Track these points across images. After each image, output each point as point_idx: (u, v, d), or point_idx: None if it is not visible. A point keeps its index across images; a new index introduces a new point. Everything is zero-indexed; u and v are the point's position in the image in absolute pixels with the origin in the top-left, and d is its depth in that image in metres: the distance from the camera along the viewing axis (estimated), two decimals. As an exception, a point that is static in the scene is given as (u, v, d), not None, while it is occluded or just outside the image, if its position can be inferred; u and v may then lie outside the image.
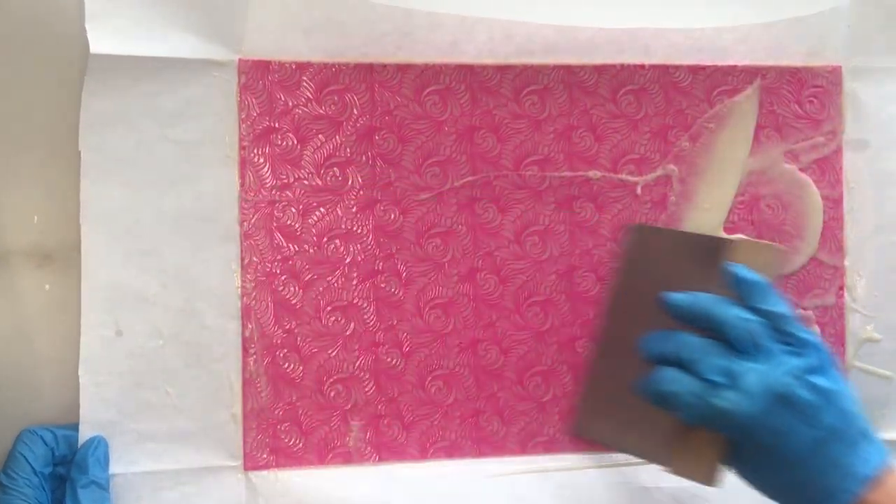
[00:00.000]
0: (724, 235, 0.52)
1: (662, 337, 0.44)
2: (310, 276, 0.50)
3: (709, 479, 0.43)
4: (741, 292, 0.43)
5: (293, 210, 0.50)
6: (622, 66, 0.52)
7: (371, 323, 0.50)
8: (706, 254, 0.45)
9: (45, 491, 0.44)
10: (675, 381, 0.43)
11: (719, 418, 0.42)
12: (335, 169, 0.50)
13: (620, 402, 0.47)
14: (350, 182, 0.50)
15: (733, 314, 0.43)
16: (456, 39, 0.51)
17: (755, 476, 0.44)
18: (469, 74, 0.51)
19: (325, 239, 0.50)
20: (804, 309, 0.54)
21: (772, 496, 0.44)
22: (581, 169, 0.52)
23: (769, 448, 0.42)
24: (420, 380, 0.51)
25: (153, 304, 0.48)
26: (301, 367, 0.50)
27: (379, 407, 0.51)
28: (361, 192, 0.51)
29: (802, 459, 0.42)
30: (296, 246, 0.50)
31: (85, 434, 0.47)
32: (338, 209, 0.50)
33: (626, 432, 0.47)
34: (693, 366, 0.42)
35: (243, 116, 0.49)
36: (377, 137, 0.51)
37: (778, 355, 0.42)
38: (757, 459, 0.43)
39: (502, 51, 0.51)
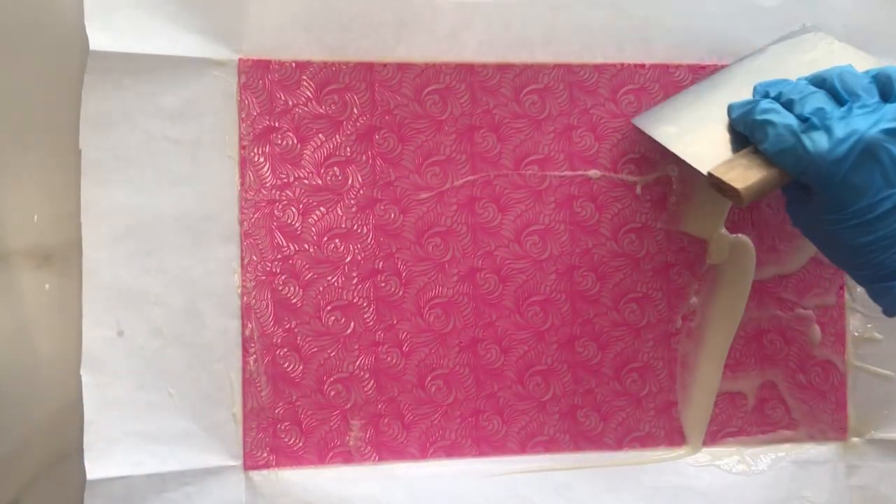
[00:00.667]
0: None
1: (776, 80, 0.46)
2: (310, 275, 0.50)
3: (743, 197, 0.44)
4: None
5: (293, 209, 0.50)
6: (622, 65, 0.52)
7: (371, 322, 0.51)
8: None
9: None
10: (773, 111, 0.44)
11: (804, 157, 0.42)
12: (335, 168, 0.50)
13: (693, 110, 0.49)
14: (350, 181, 0.50)
15: (846, 68, 0.44)
16: (454, 28, 0.50)
17: (818, 230, 0.44)
18: (469, 74, 0.51)
19: (325, 238, 0.50)
20: (804, 308, 0.54)
21: (832, 257, 0.45)
22: (581, 168, 0.52)
23: (842, 201, 0.42)
24: (420, 379, 0.51)
25: (154, 304, 0.48)
26: (301, 367, 0.50)
27: (379, 406, 0.51)
28: (361, 192, 0.51)
29: (873, 223, 0.42)
30: (296, 245, 0.50)
31: (90, 436, 0.47)
32: (338, 208, 0.50)
33: (685, 135, 0.49)
34: (793, 105, 0.44)
35: (243, 116, 0.49)
36: (377, 137, 0.51)
37: (877, 111, 0.42)
38: (828, 212, 0.43)
39: (501, 40, 0.51)
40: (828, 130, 0.42)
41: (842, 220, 0.43)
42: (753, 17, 0.53)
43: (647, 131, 0.50)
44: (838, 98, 0.43)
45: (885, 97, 0.43)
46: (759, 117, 0.44)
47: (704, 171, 0.46)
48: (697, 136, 0.48)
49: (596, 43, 0.52)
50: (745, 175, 0.44)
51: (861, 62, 0.47)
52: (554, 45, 0.51)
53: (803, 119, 0.43)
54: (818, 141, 0.42)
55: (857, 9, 0.53)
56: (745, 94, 0.48)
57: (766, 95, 0.46)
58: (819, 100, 0.43)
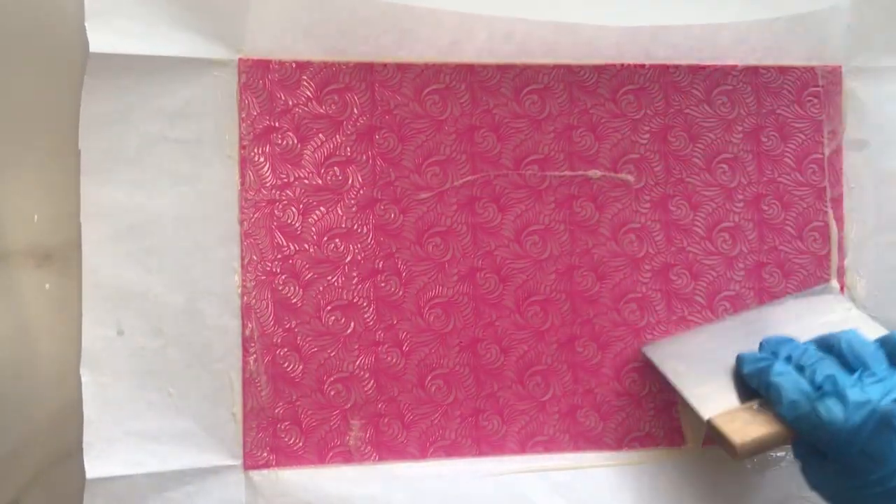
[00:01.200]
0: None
1: (783, 339, 0.48)
2: (310, 275, 0.50)
3: (738, 452, 0.45)
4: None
5: (293, 209, 0.50)
6: (622, 65, 0.52)
7: (371, 322, 0.51)
8: None
9: None
10: (786, 375, 0.44)
11: (817, 425, 0.42)
12: (335, 168, 0.50)
13: (704, 350, 0.50)
14: (350, 181, 0.50)
15: (852, 334, 0.45)
16: (456, 38, 0.51)
17: (838, 494, 0.44)
18: (469, 74, 0.51)
19: (325, 238, 0.50)
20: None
21: None
22: (581, 168, 0.52)
23: (862, 469, 0.42)
24: (420, 379, 0.51)
25: (154, 304, 0.48)
26: (301, 367, 0.50)
27: (379, 406, 0.51)
28: (362, 192, 0.51)
29: (889, 492, 0.42)
30: (296, 245, 0.50)
31: (90, 435, 0.47)
32: (338, 208, 0.50)
33: (692, 374, 0.49)
34: (803, 370, 0.44)
35: (243, 116, 0.49)
36: (377, 137, 0.51)
37: (888, 379, 0.43)
38: (848, 478, 0.43)
39: (502, 49, 0.51)
40: (841, 399, 0.42)
41: (864, 486, 0.43)
42: (754, 17, 0.53)
43: (655, 363, 0.51)
44: (847, 364, 0.44)
45: (894, 363, 0.44)
46: (774, 379, 0.45)
47: (705, 417, 0.47)
48: (704, 378, 0.49)
49: (598, 52, 0.52)
50: (744, 430, 0.45)
51: (873, 332, 0.48)
52: (554, 55, 0.51)
53: (816, 386, 0.44)
54: (833, 409, 0.42)
55: (860, 8, 0.53)
56: (756, 344, 0.49)
57: (775, 355, 0.46)
58: (829, 366, 0.44)
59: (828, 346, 0.46)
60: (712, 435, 0.47)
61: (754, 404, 0.47)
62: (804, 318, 0.51)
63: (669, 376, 0.50)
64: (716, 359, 0.50)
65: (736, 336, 0.51)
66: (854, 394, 0.42)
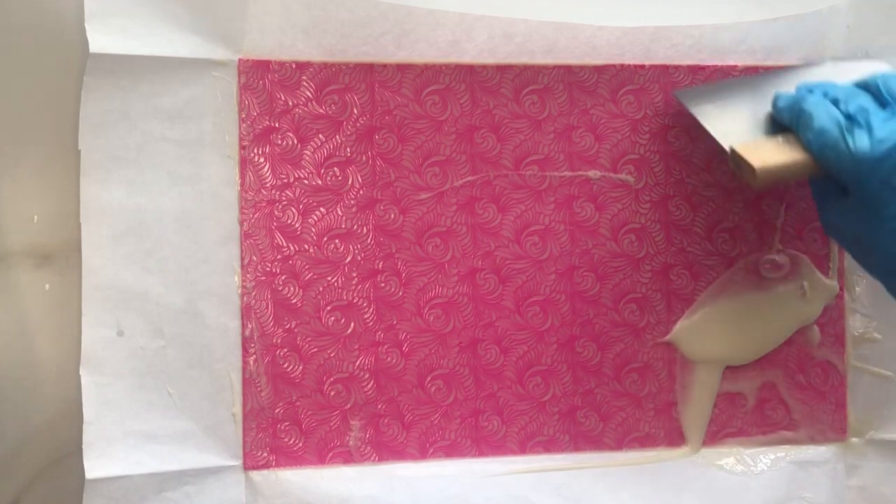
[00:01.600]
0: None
1: (821, 82, 0.47)
2: (310, 275, 0.50)
3: (757, 176, 0.44)
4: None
5: (293, 210, 0.50)
6: (622, 66, 0.52)
7: (371, 322, 0.51)
8: None
9: None
10: (819, 104, 0.44)
11: (843, 154, 0.43)
12: (335, 169, 0.50)
13: (737, 95, 0.50)
14: (350, 182, 0.50)
15: (889, 75, 0.45)
16: (456, 38, 0.51)
17: (853, 234, 0.45)
18: (469, 74, 0.51)
19: (325, 238, 0.50)
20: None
21: (866, 262, 0.46)
22: (581, 169, 0.52)
23: (881, 203, 0.42)
24: (420, 379, 0.51)
25: (154, 304, 0.48)
26: (301, 367, 0.50)
27: (379, 406, 0.51)
28: (361, 192, 0.51)
29: None
30: (296, 245, 0.50)
31: (90, 435, 0.47)
32: (338, 209, 0.50)
33: (721, 114, 0.49)
34: (837, 103, 0.44)
35: (243, 116, 0.49)
36: (377, 137, 0.51)
37: None
38: (865, 214, 0.43)
39: (502, 50, 0.51)
40: (870, 130, 0.42)
41: (881, 223, 0.43)
42: (754, 17, 0.53)
43: (684, 103, 0.50)
44: (882, 101, 0.44)
45: None
46: (806, 107, 0.45)
47: (727, 146, 0.46)
48: (733, 118, 0.49)
49: (598, 53, 0.52)
50: (766, 156, 0.45)
51: None
52: (555, 54, 0.51)
53: (847, 116, 0.44)
54: (860, 139, 0.42)
55: (860, 9, 0.53)
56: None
57: (811, 92, 0.46)
58: (863, 100, 0.44)
59: (864, 84, 0.46)
60: (735, 167, 0.47)
61: (780, 137, 0.46)
62: (840, 77, 0.49)
63: (696, 113, 0.49)
64: (749, 101, 0.49)
65: (774, 85, 0.50)
66: (883, 126, 0.42)
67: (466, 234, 0.51)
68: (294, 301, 0.50)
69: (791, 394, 0.54)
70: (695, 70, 0.53)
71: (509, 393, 0.52)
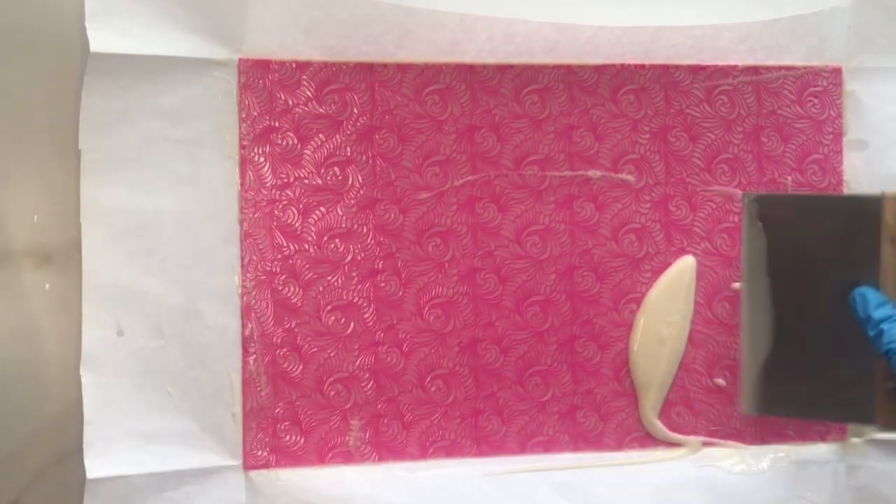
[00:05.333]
0: (867, 192, 0.53)
1: (883, 301, 0.48)
2: (310, 275, 0.50)
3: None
4: None
5: (293, 209, 0.50)
6: (622, 65, 0.52)
7: (371, 322, 0.51)
8: (861, 212, 0.49)
9: None
10: None
11: None
12: (335, 168, 0.50)
13: (802, 376, 0.51)
14: (350, 181, 0.50)
15: None
16: (456, 38, 0.51)
17: None
18: (469, 74, 0.51)
19: (325, 238, 0.50)
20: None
21: None
22: (581, 168, 0.52)
23: None
24: (420, 379, 0.51)
25: (154, 304, 0.48)
26: (301, 367, 0.50)
27: (379, 406, 0.51)
28: (361, 192, 0.51)
29: None
30: (296, 245, 0.50)
31: (90, 435, 0.47)
32: (338, 208, 0.50)
33: (817, 401, 0.51)
34: None
35: (243, 116, 0.49)
36: (377, 137, 0.51)
37: None
38: None
39: (503, 50, 0.51)
40: None
41: None
42: (755, 17, 0.53)
43: (772, 414, 0.53)
44: None
45: None
46: None
47: (868, 425, 0.52)
48: (825, 395, 0.51)
49: (598, 53, 0.52)
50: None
51: None
52: (555, 54, 0.52)
53: None
54: None
55: (861, 9, 0.53)
56: None
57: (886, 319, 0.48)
58: None
59: None
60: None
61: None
62: None
63: (803, 418, 0.53)
64: (821, 375, 0.51)
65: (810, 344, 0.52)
66: None
67: (466, 234, 0.51)
68: (294, 301, 0.50)
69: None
70: (695, 70, 0.53)
71: (509, 393, 0.52)
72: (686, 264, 0.53)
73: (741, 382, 0.52)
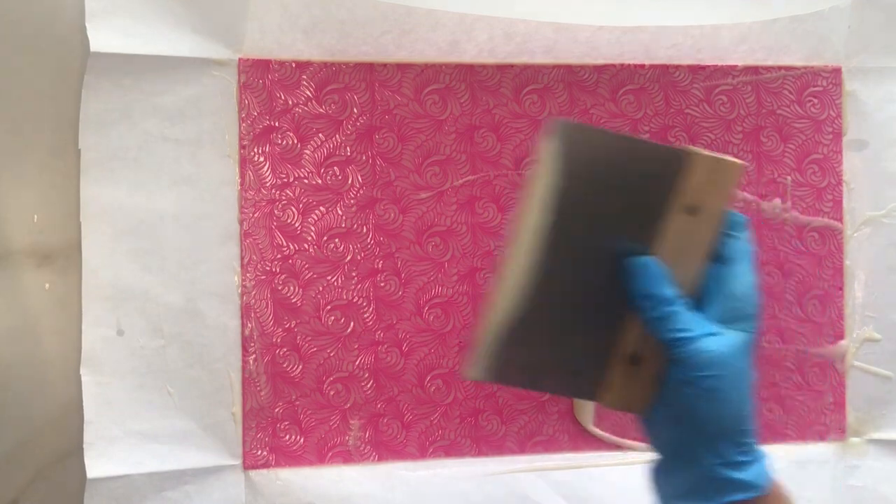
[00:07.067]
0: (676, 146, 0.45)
1: (670, 278, 0.40)
2: (309, 274, 0.50)
3: (642, 409, 0.40)
4: None
5: (293, 209, 0.50)
6: (622, 65, 0.52)
7: (371, 322, 0.51)
8: (660, 166, 0.40)
9: None
10: (692, 321, 0.39)
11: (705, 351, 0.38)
12: (335, 168, 0.50)
13: (542, 341, 0.40)
14: (350, 181, 0.50)
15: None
16: (456, 38, 0.51)
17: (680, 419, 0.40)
18: (469, 74, 0.51)
19: (324, 238, 0.50)
20: (803, 308, 0.54)
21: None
22: (581, 168, 0.52)
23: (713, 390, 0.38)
24: (419, 379, 0.51)
25: (154, 304, 0.48)
26: (300, 366, 0.50)
27: (378, 406, 0.51)
28: (361, 191, 0.51)
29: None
30: (296, 245, 0.50)
31: (90, 435, 0.47)
32: (338, 208, 0.50)
33: (545, 372, 0.41)
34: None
35: (243, 115, 0.49)
36: (377, 136, 0.51)
37: None
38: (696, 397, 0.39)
39: (502, 50, 0.51)
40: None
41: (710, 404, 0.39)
42: (755, 17, 0.53)
43: (497, 381, 0.43)
44: None
45: None
46: (678, 324, 0.40)
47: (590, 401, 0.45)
48: (555, 366, 0.42)
49: (598, 52, 0.52)
50: (631, 395, 0.41)
51: None
52: (555, 54, 0.52)
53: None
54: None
55: (861, 9, 0.53)
56: None
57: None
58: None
59: None
60: None
61: None
62: None
63: (527, 388, 0.48)
64: (559, 341, 0.41)
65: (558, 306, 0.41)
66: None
67: (466, 234, 0.51)
68: (294, 300, 0.50)
69: (790, 394, 0.54)
70: (695, 70, 0.53)
71: (509, 393, 0.52)
72: None
73: (478, 339, 0.40)
